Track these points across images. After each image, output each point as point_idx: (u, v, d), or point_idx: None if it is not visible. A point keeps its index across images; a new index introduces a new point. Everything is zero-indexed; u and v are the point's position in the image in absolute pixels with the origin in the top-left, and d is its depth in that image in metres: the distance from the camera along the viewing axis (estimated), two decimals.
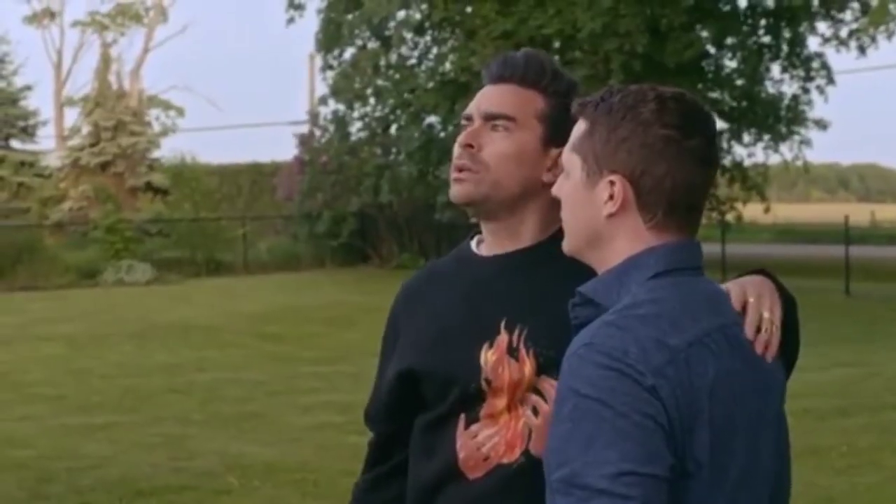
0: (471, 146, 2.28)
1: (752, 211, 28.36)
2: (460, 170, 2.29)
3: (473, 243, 2.39)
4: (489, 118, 2.28)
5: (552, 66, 2.33)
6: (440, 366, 2.23)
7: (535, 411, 2.16)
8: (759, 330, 1.93)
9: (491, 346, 2.20)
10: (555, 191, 2.02)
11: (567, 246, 2.00)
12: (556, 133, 2.25)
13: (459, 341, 2.23)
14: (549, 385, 2.14)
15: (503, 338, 2.20)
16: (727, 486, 1.84)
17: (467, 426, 2.21)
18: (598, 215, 1.92)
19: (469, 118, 2.32)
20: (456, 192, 2.30)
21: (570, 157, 1.96)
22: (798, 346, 2.06)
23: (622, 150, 1.90)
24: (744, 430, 1.87)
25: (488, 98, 2.31)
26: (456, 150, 2.31)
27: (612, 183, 1.90)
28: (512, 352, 2.18)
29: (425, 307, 2.34)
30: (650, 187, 1.90)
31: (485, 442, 2.19)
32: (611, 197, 1.90)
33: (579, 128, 1.96)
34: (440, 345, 2.26)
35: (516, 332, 2.19)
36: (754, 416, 1.90)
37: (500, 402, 2.18)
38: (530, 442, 2.16)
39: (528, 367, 2.17)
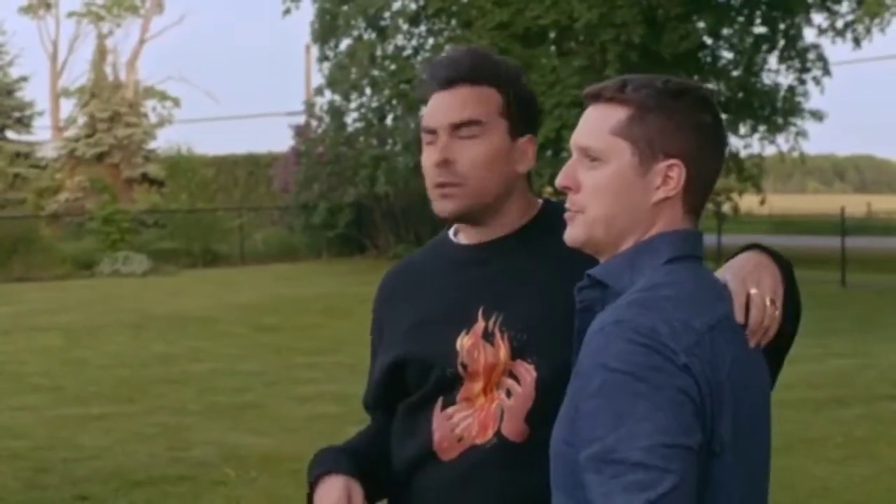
0: (447, 161, 2.23)
1: (748, 202, 28.38)
2: (442, 186, 2.24)
3: (451, 233, 2.38)
4: (456, 128, 2.23)
5: (494, 58, 2.30)
6: (419, 352, 2.25)
7: (509, 393, 2.18)
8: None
9: (468, 332, 2.21)
10: (576, 179, 1.96)
11: (592, 234, 1.95)
12: (519, 123, 2.25)
13: (438, 329, 2.24)
14: (524, 368, 2.17)
15: (480, 324, 2.21)
16: (745, 468, 1.87)
17: (444, 408, 2.23)
18: (646, 201, 1.91)
19: (433, 131, 2.26)
20: (443, 208, 2.26)
21: (613, 143, 1.92)
22: (799, 313, 2.05)
23: (679, 135, 1.90)
24: (752, 415, 1.89)
25: (447, 106, 2.25)
26: (430, 169, 2.25)
27: (671, 167, 1.90)
28: (487, 336, 2.20)
29: (406, 299, 2.35)
30: (699, 174, 1.92)
31: (459, 423, 2.21)
32: (665, 182, 1.90)
33: (618, 113, 1.93)
34: (419, 332, 2.27)
35: (493, 319, 2.21)
36: (758, 402, 1.93)
37: (477, 386, 2.20)
38: (502, 423, 2.17)
39: (503, 350, 2.18)
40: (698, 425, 1.75)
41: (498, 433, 2.17)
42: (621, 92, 1.93)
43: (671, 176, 1.90)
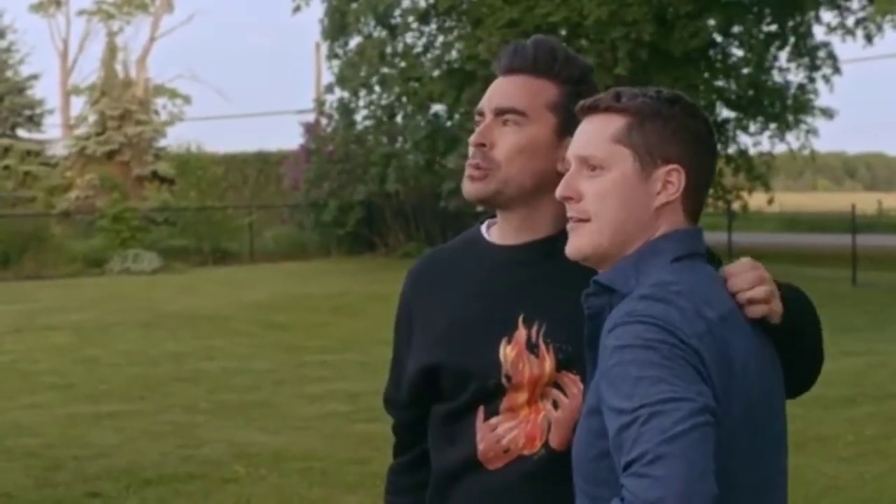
0: (483, 145, 2.25)
1: (759, 200, 28.31)
2: (474, 167, 2.25)
3: (484, 228, 2.36)
4: (499, 113, 2.25)
5: (564, 53, 2.29)
6: (458, 361, 2.22)
7: (556, 405, 2.16)
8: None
9: (510, 341, 2.18)
10: (578, 189, 1.98)
11: (599, 243, 1.97)
12: (570, 122, 2.19)
13: (476, 336, 2.22)
14: (570, 379, 2.15)
15: (521, 333, 2.18)
16: (756, 460, 1.88)
17: (486, 419, 2.20)
18: (648, 206, 1.95)
19: (481, 114, 2.28)
20: (468, 190, 2.27)
21: (614, 150, 1.95)
22: (819, 364, 2.11)
23: (677, 140, 1.95)
24: (767, 405, 1.92)
25: (498, 92, 2.27)
26: (470, 148, 2.28)
27: (671, 172, 1.94)
28: (531, 348, 2.17)
29: (437, 297, 2.32)
30: (696, 178, 1.96)
31: (504, 434, 2.19)
32: (665, 187, 1.94)
33: (616, 122, 1.96)
34: (456, 339, 2.24)
35: (535, 328, 2.18)
36: (773, 393, 1.96)
37: (521, 397, 2.18)
38: (550, 435, 2.16)
39: (549, 362, 2.16)
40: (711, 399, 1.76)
41: (546, 444, 2.16)
42: (617, 101, 1.98)
43: (671, 181, 1.94)
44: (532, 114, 2.23)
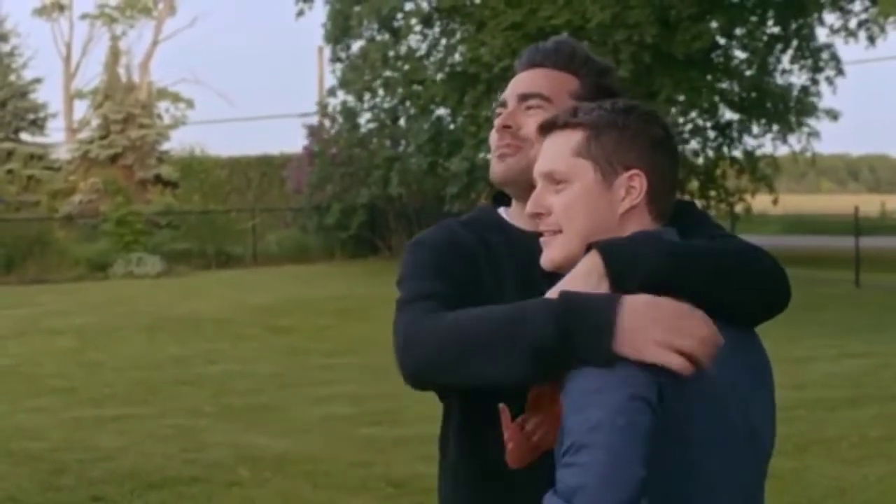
0: (508, 126, 2.27)
1: (761, 202, 28.30)
2: (504, 147, 2.27)
3: (504, 214, 2.35)
4: (523, 98, 2.29)
5: (584, 52, 2.35)
6: None
7: None
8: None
9: None
10: (546, 204, 2.02)
11: (570, 252, 1.99)
12: None
13: None
14: None
15: None
16: (738, 461, 1.92)
17: (513, 418, 2.19)
18: (614, 214, 1.99)
19: (503, 104, 2.32)
20: (498, 169, 2.28)
21: (575, 164, 2.00)
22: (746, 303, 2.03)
23: (635, 147, 2.00)
24: (734, 411, 1.93)
25: (521, 82, 2.32)
26: (493, 135, 2.30)
27: (632, 177, 1.98)
28: None
29: (488, 281, 2.24)
30: (658, 181, 2.01)
31: (534, 430, 2.17)
32: (628, 192, 1.98)
33: (575, 136, 2.02)
34: None
35: None
36: (758, 394, 1.99)
37: (545, 391, 2.16)
38: None
39: None
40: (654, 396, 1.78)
41: None
42: (574, 116, 2.04)
43: (633, 186, 1.99)
44: (556, 99, 2.27)
